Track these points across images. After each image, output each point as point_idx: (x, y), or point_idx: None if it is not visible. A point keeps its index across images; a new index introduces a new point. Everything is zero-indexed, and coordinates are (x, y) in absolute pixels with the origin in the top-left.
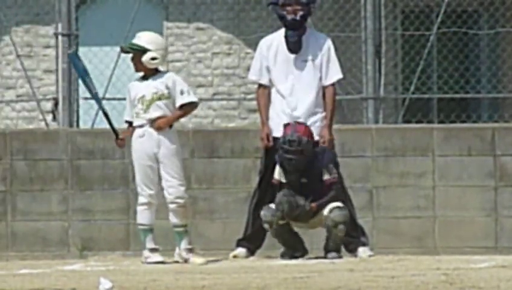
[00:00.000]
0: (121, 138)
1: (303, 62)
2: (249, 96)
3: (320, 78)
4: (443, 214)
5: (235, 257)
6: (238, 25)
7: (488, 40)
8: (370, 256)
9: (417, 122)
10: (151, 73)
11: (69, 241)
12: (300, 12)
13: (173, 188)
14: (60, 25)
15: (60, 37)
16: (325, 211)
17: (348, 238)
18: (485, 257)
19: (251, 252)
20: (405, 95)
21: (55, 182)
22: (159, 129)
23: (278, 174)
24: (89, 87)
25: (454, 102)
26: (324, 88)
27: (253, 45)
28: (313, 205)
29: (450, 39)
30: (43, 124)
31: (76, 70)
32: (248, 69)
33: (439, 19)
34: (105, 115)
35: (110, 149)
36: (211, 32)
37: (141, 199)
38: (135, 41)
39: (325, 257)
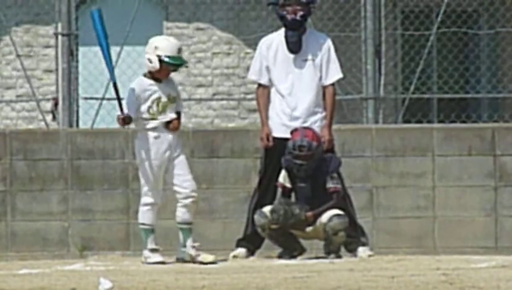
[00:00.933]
0: (124, 116)
1: (303, 62)
2: (249, 96)
3: (320, 78)
4: (443, 214)
5: (235, 257)
6: (238, 25)
7: (487, 40)
8: (370, 256)
9: (417, 122)
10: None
11: (69, 241)
12: (301, 13)
13: (189, 181)
14: (59, 25)
15: (59, 37)
16: (324, 219)
17: (348, 238)
18: (485, 257)
19: (251, 252)
20: (405, 95)
21: (55, 182)
22: (175, 130)
23: (282, 177)
24: (104, 53)
25: (454, 102)
26: (324, 88)
27: (253, 45)
28: (309, 214)
29: (450, 39)
30: (42, 124)
31: (95, 30)
32: (248, 69)
33: (439, 19)
34: (115, 86)
35: (110, 149)
36: (211, 32)
37: (147, 200)
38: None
39: (324, 257)
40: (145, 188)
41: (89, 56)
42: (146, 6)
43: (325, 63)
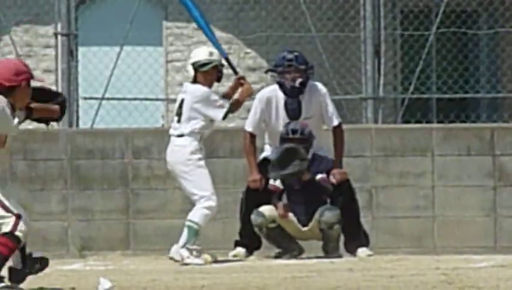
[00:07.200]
0: (241, 77)
1: (305, 119)
2: None
3: (324, 122)
4: (442, 214)
5: (235, 256)
6: (238, 25)
7: (487, 40)
8: (369, 256)
9: (416, 122)
10: None
11: (69, 241)
12: (299, 80)
13: None
14: (59, 25)
15: (59, 37)
16: (317, 215)
17: (349, 238)
18: (484, 256)
19: (249, 252)
20: (404, 95)
21: (54, 182)
22: None
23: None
24: (206, 32)
25: (453, 102)
26: (334, 129)
27: (253, 45)
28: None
29: (449, 39)
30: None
31: (189, 12)
32: (248, 69)
33: (438, 19)
34: (227, 59)
35: (110, 149)
36: None
37: (211, 203)
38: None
39: (324, 257)
40: (206, 193)
41: (89, 56)
42: (145, 6)
43: (325, 109)
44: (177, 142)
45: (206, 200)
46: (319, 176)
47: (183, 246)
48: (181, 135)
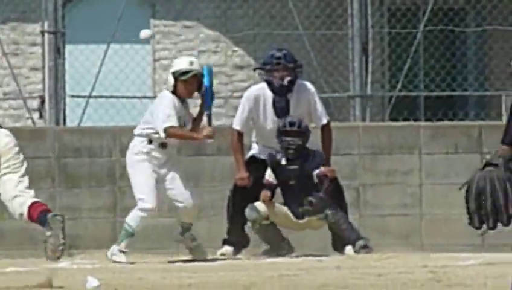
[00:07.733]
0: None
1: None
2: (236, 94)
3: (312, 121)
4: (430, 212)
5: (222, 254)
6: (225, 23)
7: (474, 38)
8: (356, 252)
9: (404, 120)
10: None
11: None
12: (288, 78)
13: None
14: (46, 23)
15: (46, 35)
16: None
17: (338, 237)
18: (471, 254)
19: (237, 250)
20: (392, 93)
21: (42, 180)
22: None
23: (268, 175)
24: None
25: (441, 100)
26: (323, 127)
27: (240, 43)
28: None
29: (437, 37)
30: (29, 122)
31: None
32: (235, 67)
33: (425, 17)
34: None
35: (97, 147)
36: (198, 30)
37: (147, 206)
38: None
39: (314, 255)
40: (142, 195)
41: (76, 54)
42: (133, 4)
43: (313, 108)
44: (130, 143)
45: (141, 202)
46: (316, 171)
47: (117, 244)
48: (134, 135)
